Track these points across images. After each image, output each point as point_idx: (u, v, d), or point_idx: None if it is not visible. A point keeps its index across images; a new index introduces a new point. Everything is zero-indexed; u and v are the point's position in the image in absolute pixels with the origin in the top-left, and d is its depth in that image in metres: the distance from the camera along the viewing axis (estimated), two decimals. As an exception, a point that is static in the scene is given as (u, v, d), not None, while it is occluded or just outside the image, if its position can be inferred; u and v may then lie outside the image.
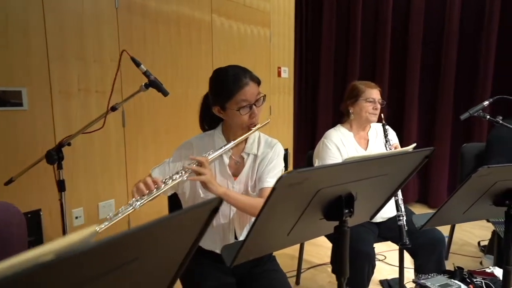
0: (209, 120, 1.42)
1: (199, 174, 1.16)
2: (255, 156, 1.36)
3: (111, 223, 1.07)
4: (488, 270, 1.28)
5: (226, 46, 3.09)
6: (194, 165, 1.18)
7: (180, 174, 1.18)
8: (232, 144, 1.27)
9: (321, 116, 4.17)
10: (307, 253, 2.57)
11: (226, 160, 1.34)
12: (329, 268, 2.43)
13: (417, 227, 1.23)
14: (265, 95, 1.34)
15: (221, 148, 1.26)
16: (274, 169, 1.32)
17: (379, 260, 2.54)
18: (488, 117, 1.50)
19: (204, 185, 1.17)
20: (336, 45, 4.05)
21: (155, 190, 1.14)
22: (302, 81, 4.30)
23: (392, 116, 3.77)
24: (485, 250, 2.46)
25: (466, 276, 1.21)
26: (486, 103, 1.54)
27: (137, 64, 1.22)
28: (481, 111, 1.51)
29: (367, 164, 0.73)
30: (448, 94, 3.40)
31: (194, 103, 2.86)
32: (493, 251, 2.20)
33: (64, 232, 1.36)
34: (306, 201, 0.70)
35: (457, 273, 1.22)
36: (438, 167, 3.52)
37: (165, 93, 1.24)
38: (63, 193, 1.29)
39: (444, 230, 3.04)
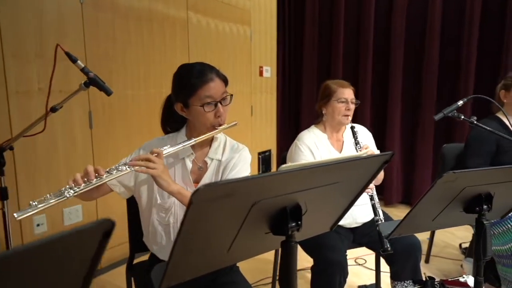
0: (172, 122, 1.32)
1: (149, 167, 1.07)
2: (219, 161, 1.27)
3: (34, 212, 0.95)
4: (462, 279, 1.22)
5: (203, 44, 2.99)
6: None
7: (128, 167, 1.08)
8: (193, 141, 1.18)
9: (304, 116, 4.10)
10: (286, 258, 2.49)
11: (189, 164, 1.25)
12: (308, 274, 2.35)
13: (384, 236, 1.16)
14: (232, 95, 1.24)
15: (180, 144, 1.17)
16: (239, 174, 1.24)
17: (359, 264, 2.48)
18: (462, 117, 1.44)
19: (155, 180, 1.08)
20: (319, 43, 3.98)
21: (95, 180, 1.04)
22: (286, 81, 4.23)
23: (375, 116, 3.73)
24: (466, 253, 2.41)
25: (438, 287, 1.14)
26: (460, 102, 1.47)
27: (73, 60, 1.12)
28: (455, 111, 1.45)
29: (313, 172, 0.64)
30: (431, 93, 3.36)
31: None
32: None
33: (7, 243, 1.25)
34: (242, 215, 0.62)
35: (428, 284, 1.15)
36: (421, 168, 3.47)
37: (107, 92, 1.15)
38: (5, 201, 1.18)
39: (425, 233, 3.00)
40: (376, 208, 1.57)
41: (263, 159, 3.88)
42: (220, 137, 1.32)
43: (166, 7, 2.63)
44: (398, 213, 3.50)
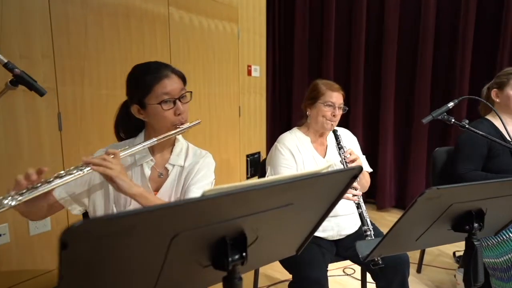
0: (128, 129, 1.20)
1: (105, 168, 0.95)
2: (181, 168, 1.16)
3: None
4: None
5: (186, 42, 2.85)
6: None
7: (80, 169, 0.95)
8: (154, 140, 1.06)
9: (295, 117, 3.97)
10: (270, 267, 2.36)
11: (148, 171, 1.13)
12: None
13: (361, 258, 1.02)
14: (191, 92, 1.13)
15: (139, 144, 1.05)
16: (202, 180, 1.14)
17: (347, 274, 2.35)
18: (453, 120, 1.31)
19: (112, 181, 0.95)
20: (310, 42, 3.85)
21: (40, 185, 0.90)
22: (276, 80, 4.09)
23: (368, 118, 3.60)
24: (460, 262, 2.28)
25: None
26: (451, 104, 1.34)
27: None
28: (445, 113, 1.32)
29: (251, 195, 0.51)
30: (425, 94, 3.23)
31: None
32: (467, 265, 2.02)
33: None
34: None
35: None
36: (415, 171, 3.35)
37: (40, 92, 1.01)
38: None
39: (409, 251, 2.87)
40: (364, 218, 1.44)
41: (252, 162, 3.74)
42: (182, 142, 1.21)
43: (144, 2, 2.49)
44: (391, 218, 3.38)
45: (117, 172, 0.94)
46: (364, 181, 1.61)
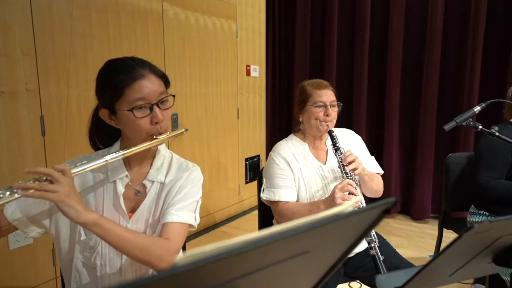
0: (103, 136, 1.03)
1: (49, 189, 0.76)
2: (162, 184, 0.99)
3: None
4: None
5: (181, 40, 2.69)
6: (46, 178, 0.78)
7: (13, 190, 0.75)
8: (119, 154, 0.87)
9: (296, 119, 3.80)
10: None
11: (121, 189, 0.96)
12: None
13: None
14: (174, 96, 0.96)
15: (101, 159, 0.85)
16: (185, 199, 0.96)
17: (354, 289, 2.19)
18: (480, 127, 1.16)
19: (58, 208, 0.77)
20: (312, 41, 3.69)
21: None
22: (276, 81, 3.94)
23: (372, 120, 3.44)
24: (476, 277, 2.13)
25: None
26: (477, 108, 1.19)
27: None
28: (471, 119, 1.17)
29: (246, 255, 0.36)
30: (432, 97, 3.08)
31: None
32: (485, 281, 1.88)
33: None
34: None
35: None
36: (422, 177, 3.19)
37: None
38: None
39: (430, 249, 2.72)
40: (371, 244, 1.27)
41: (251, 165, 3.59)
42: (164, 154, 1.03)
43: (136, -2, 2.33)
44: (396, 224, 3.23)
45: (63, 196, 0.76)
46: (373, 184, 1.46)
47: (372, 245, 1.28)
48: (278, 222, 1.42)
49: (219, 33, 3.06)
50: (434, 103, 3.09)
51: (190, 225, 0.96)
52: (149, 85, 0.89)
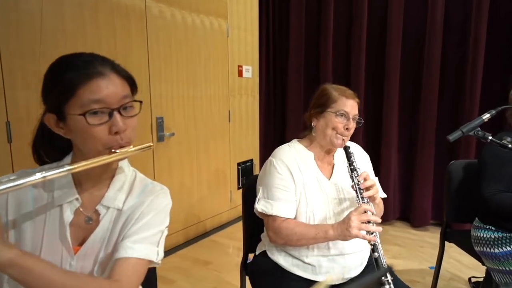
0: (51, 147, 0.86)
1: None
2: (119, 211, 0.82)
3: None
4: None
5: (167, 39, 2.54)
6: None
7: None
8: (62, 170, 0.67)
9: (291, 122, 3.66)
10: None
11: (69, 215, 0.79)
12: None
13: None
14: (141, 102, 0.79)
15: (36, 175, 0.64)
16: (145, 229, 0.79)
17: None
18: (490, 138, 1.00)
19: None
20: (307, 41, 3.53)
21: None
22: (270, 82, 3.78)
23: (369, 123, 3.29)
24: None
25: None
26: (486, 116, 1.03)
27: None
28: (479, 129, 1.01)
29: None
30: (432, 102, 2.92)
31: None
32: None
33: None
34: None
35: None
36: (421, 183, 3.04)
37: None
38: None
39: (430, 260, 2.57)
40: (381, 265, 1.09)
41: (244, 170, 3.44)
42: (126, 173, 0.86)
43: (116, -6, 2.18)
44: (395, 232, 3.08)
45: None
46: (378, 211, 1.29)
47: (379, 255, 1.11)
48: (272, 239, 1.23)
49: (208, 32, 2.90)
50: (434, 106, 2.94)
51: (151, 262, 0.79)
52: (109, 86, 0.72)
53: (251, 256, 1.45)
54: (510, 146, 0.96)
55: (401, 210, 3.28)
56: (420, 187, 3.06)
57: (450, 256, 2.50)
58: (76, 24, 1.98)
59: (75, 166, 0.69)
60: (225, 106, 3.17)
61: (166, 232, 0.84)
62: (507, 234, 1.47)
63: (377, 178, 1.39)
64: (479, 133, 1.00)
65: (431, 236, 2.94)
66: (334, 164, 1.33)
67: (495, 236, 1.50)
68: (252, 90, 3.51)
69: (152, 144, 0.80)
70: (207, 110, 2.95)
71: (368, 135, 3.29)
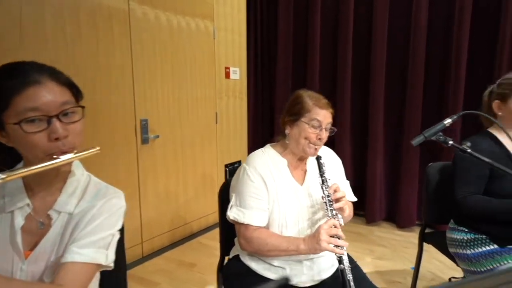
0: (5, 156, 0.86)
1: None
2: (70, 215, 0.83)
3: None
4: None
5: (151, 41, 2.54)
6: None
7: None
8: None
9: (279, 123, 3.66)
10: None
11: (20, 221, 0.80)
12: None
13: None
14: (83, 107, 0.81)
15: None
16: (94, 233, 0.80)
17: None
18: (451, 143, 1.02)
19: None
20: (294, 43, 3.55)
21: None
22: (258, 83, 3.79)
23: (356, 124, 3.31)
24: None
25: None
26: (447, 121, 1.04)
27: None
28: (441, 133, 1.03)
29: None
30: (416, 106, 2.95)
31: (105, 112, 2.31)
32: None
33: None
34: None
35: None
36: (407, 184, 3.07)
37: None
38: None
39: (413, 260, 2.59)
40: (346, 278, 1.08)
41: (231, 172, 3.44)
42: (79, 178, 0.87)
43: (98, -4, 2.18)
44: (380, 233, 3.10)
45: None
46: (347, 216, 1.30)
47: (344, 267, 1.12)
48: (242, 247, 1.23)
49: (194, 34, 2.91)
50: (418, 109, 2.96)
51: (99, 265, 0.80)
52: (45, 94, 0.74)
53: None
54: (469, 150, 0.98)
55: (387, 211, 3.31)
56: (406, 189, 3.08)
57: (433, 257, 2.52)
58: (57, 29, 1.97)
59: (6, 175, 0.68)
60: (212, 108, 3.18)
61: (118, 236, 0.85)
62: (479, 236, 1.49)
63: (348, 181, 1.40)
64: (441, 137, 1.02)
65: (416, 237, 2.94)
66: (306, 170, 1.33)
67: (467, 238, 1.52)
68: (240, 92, 3.52)
69: (99, 148, 0.81)
70: (193, 112, 2.96)
71: (355, 138, 3.31)
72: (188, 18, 2.83)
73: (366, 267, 2.49)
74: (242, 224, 1.22)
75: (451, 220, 1.65)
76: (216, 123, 3.23)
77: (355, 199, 1.40)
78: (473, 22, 2.72)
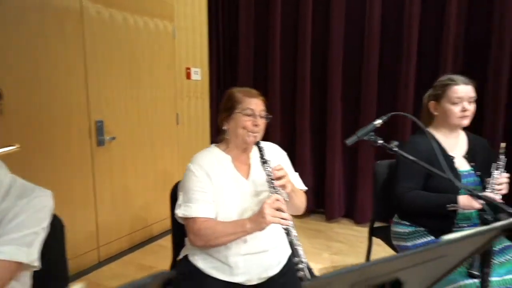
0: None
1: None
2: None
3: None
4: None
5: (106, 41, 2.48)
6: None
7: None
8: None
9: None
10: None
11: None
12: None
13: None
14: None
15: None
16: (16, 231, 0.80)
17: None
18: (380, 142, 1.09)
19: None
20: (256, 44, 3.60)
21: None
22: (221, 84, 3.80)
23: (315, 124, 3.41)
24: None
25: None
26: (378, 122, 1.13)
27: None
28: (372, 133, 1.10)
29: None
30: (371, 102, 3.09)
31: (56, 113, 2.23)
32: None
33: None
34: None
35: None
36: (363, 181, 3.20)
37: None
38: None
39: (364, 254, 2.71)
40: (295, 246, 1.15)
41: (194, 173, 3.43)
42: (2, 178, 0.86)
43: (47, -7, 2.10)
44: (340, 229, 3.21)
45: None
46: (297, 201, 1.37)
47: (301, 266, 1.16)
48: (192, 242, 1.25)
49: (153, 34, 2.87)
50: (373, 106, 3.10)
51: (21, 263, 0.80)
52: None
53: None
54: (395, 149, 1.05)
55: (346, 208, 3.43)
56: (362, 186, 3.21)
57: (384, 250, 2.64)
58: (5, 29, 1.89)
59: None
60: (173, 108, 3.15)
61: (44, 234, 0.85)
62: (419, 228, 1.60)
63: (297, 173, 1.47)
64: (372, 137, 1.09)
65: (372, 232, 3.10)
66: (250, 164, 1.38)
67: (409, 231, 1.62)
68: (201, 93, 3.52)
69: (19, 146, 0.80)
70: (152, 113, 2.92)
71: (315, 138, 3.41)
72: (146, 18, 2.80)
73: (323, 263, 2.58)
74: (191, 218, 1.25)
75: (396, 215, 1.75)
76: (177, 124, 3.20)
77: (305, 188, 1.48)
78: (421, 26, 2.88)
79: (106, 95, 2.50)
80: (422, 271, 0.63)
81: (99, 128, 2.44)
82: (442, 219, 1.53)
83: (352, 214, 3.36)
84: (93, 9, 2.39)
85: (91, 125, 2.40)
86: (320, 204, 3.46)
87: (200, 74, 3.47)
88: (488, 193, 1.39)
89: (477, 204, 1.38)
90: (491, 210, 0.96)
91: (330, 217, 3.37)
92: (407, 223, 1.64)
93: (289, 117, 3.46)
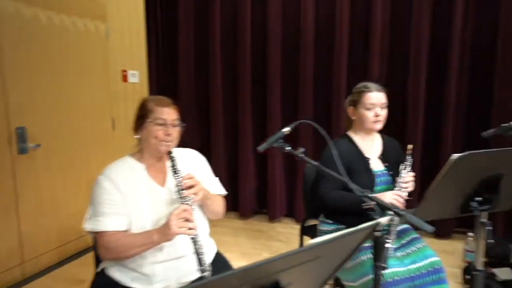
0: None
1: None
2: None
3: None
4: None
5: (27, 42, 2.31)
6: None
7: None
8: None
9: (186, 128, 3.65)
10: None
11: None
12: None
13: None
14: None
15: None
16: None
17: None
18: (287, 148, 1.16)
19: None
20: (196, 45, 3.58)
21: None
22: (160, 87, 3.72)
23: (256, 127, 3.47)
24: None
25: None
26: (286, 129, 1.19)
27: None
28: (281, 140, 1.16)
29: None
30: (308, 101, 3.23)
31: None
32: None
33: None
34: None
35: None
36: (301, 183, 3.32)
37: None
38: None
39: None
40: (200, 255, 1.20)
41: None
42: None
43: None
44: (282, 229, 3.31)
45: None
46: (214, 206, 1.41)
47: (206, 274, 1.20)
48: (102, 256, 1.23)
49: (82, 34, 2.73)
50: (310, 107, 3.23)
51: None
52: None
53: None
54: (300, 155, 1.12)
55: (287, 207, 3.54)
56: (301, 185, 3.33)
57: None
58: None
59: None
60: (107, 113, 3.02)
61: None
62: (341, 226, 1.70)
63: (217, 178, 1.50)
64: (281, 144, 1.14)
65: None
66: (166, 172, 1.39)
67: (331, 229, 1.72)
68: (140, 96, 3.38)
69: None
70: (83, 118, 2.77)
71: (257, 140, 3.47)
72: (74, 18, 2.65)
73: (262, 263, 2.64)
74: (99, 232, 1.23)
75: (321, 214, 1.85)
76: (113, 129, 3.08)
77: (225, 192, 1.52)
78: (351, 31, 3.06)
79: (27, 100, 2.33)
80: (303, 271, 0.68)
81: (20, 135, 2.27)
82: (360, 216, 1.64)
83: (293, 214, 3.48)
84: (12, 8, 2.22)
85: (11, 132, 2.23)
86: (263, 205, 3.53)
87: (138, 76, 3.37)
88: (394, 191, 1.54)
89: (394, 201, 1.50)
90: (381, 210, 1.06)
91: (272, 217, 3.45)
92: (330, 222, 1.74)
93: (231, 117, 3.50)
